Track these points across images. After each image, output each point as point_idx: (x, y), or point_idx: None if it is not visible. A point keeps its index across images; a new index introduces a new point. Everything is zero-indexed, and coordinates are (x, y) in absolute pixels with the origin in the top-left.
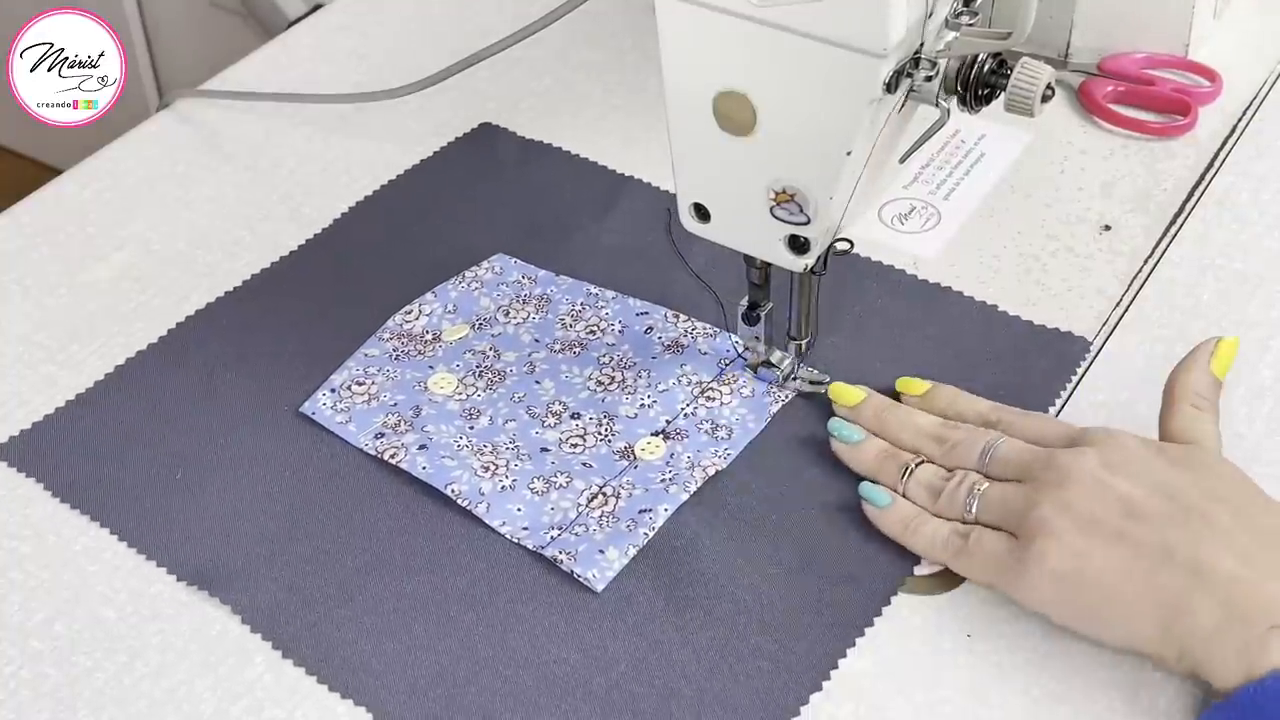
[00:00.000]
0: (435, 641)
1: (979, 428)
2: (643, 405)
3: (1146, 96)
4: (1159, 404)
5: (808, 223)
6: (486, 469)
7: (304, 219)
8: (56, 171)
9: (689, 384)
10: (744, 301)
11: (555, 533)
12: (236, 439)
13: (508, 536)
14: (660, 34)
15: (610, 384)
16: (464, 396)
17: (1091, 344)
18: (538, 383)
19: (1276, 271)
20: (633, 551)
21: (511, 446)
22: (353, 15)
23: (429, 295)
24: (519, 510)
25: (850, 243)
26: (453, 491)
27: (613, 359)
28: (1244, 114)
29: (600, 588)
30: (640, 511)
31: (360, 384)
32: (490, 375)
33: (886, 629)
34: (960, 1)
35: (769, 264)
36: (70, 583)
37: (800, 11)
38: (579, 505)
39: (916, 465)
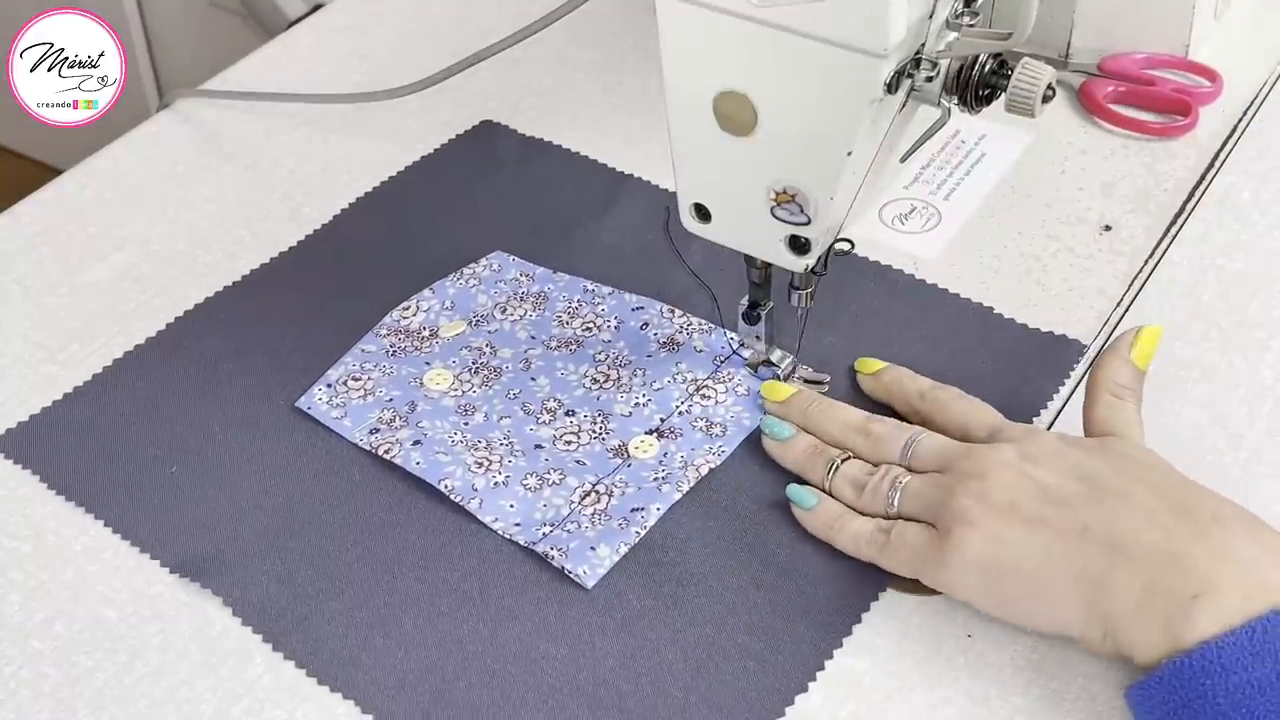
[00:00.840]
0: (425, 636)
1: (902, 423)
2: (637, 404)
3: (1147, 97)
4: (1159, 405)
5: (808, 223)
6: (480, 465)
7: (304, 219)
8: (56, 171)
9: (684, 382)
10: (744, 301)
11: (547, 529)
12: (233, 433)
13: (499, 532)
14: (660, 34)
15: (605, 382)
16: (459, 393)
17: (1087, 347)
18: (533, 379)
19: (1276, 271)
20: (624, 549)
21: (505, 443)
22: (353, 15)
23: (426, 292)
24: (511, 506)
25: (850, 243)
26: (446, 487)
27: (608, 357)
28: (1244, 114)
29: (590, 584)
30: (632, 510)
31: (356, 379)
32: (486, 372)
33: (885, 629)
34: (961, 2)
35: (769, 264)
36: (70, 583)
37: (800, 11)
38: (571, 502)
39: (842, 461)
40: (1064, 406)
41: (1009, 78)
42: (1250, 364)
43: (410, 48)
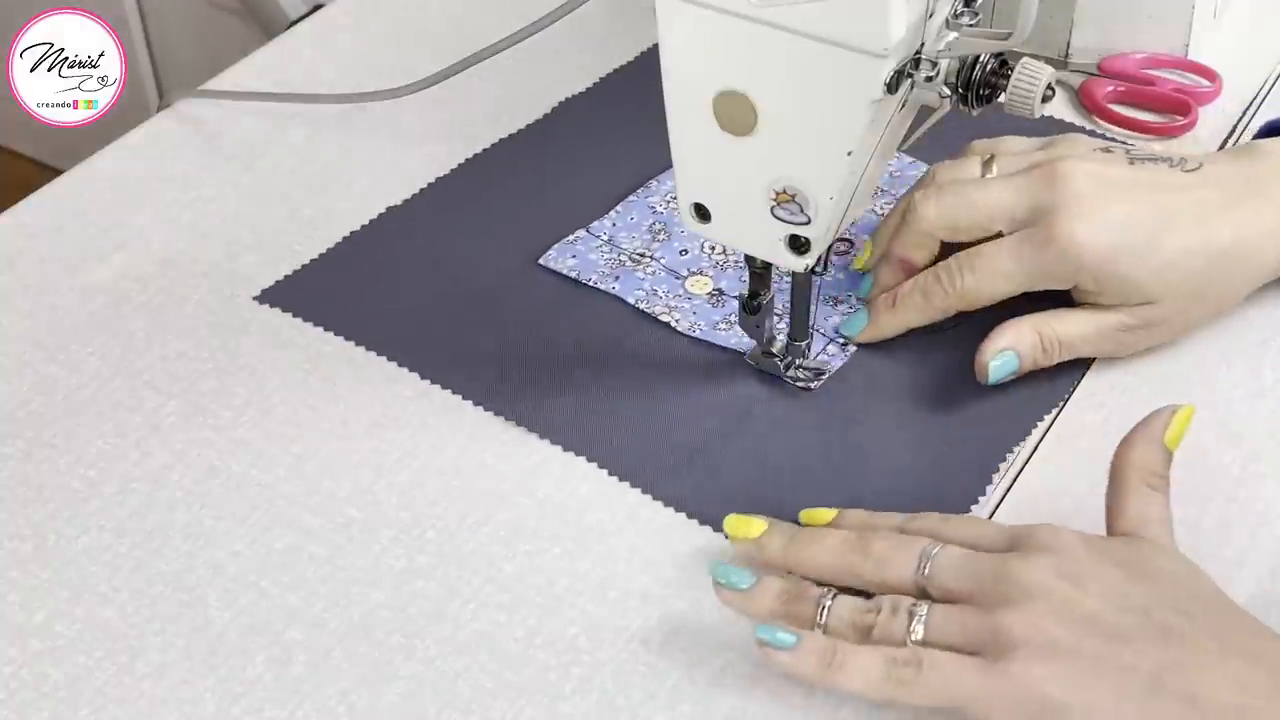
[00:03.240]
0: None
1: (900, 534)
2: None
3: (1147, 96)
4: (1159, 406)
5: (808, 223)
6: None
7: (304, 219)
8: (56, 171)
9: None
10: (744, 291)
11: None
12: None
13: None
14: (660, 34)
15: None
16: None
17: None
18: None
19: None
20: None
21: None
22: (353, 15)
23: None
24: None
25: (851, 243)
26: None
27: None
28: (1244, 114)
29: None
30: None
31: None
32: None
33: None
34: (961, 2)
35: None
36: (70, 582)
37: (800, 11)
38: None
39: (832, 599)
40: (1064, 407)
41: (1009, 77)
42: (1250, 364)
43: (410, 48)
